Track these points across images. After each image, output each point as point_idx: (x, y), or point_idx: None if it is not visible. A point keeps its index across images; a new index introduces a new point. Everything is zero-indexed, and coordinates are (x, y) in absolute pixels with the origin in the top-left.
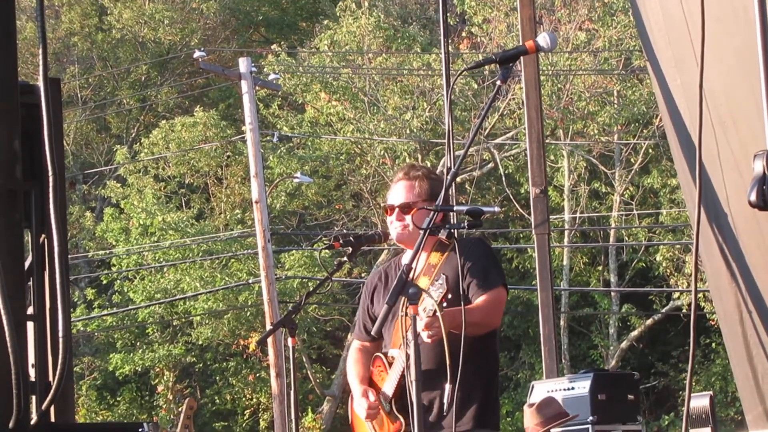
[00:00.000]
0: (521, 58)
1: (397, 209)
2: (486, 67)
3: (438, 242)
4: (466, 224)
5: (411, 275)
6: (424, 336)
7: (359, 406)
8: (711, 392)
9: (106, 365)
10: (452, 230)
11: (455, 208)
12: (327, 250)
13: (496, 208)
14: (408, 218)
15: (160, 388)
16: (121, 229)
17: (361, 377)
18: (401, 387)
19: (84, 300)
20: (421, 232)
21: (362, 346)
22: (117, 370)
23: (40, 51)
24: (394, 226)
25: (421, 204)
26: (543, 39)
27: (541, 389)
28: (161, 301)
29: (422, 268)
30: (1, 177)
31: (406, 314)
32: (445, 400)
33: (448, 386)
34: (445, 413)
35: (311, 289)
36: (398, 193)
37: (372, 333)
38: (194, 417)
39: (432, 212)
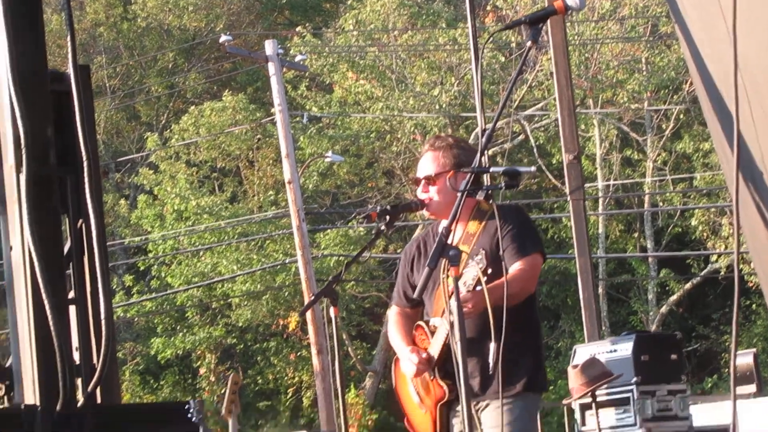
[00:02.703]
0: (548, 24)
1: (423, 181)
2: (513, 39)
3: (475, 210)
4: (503, 185)
5: (450, 239)
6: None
7: (407, 362)
8: (755, 350)
9: (147, 350)
10: (490, 191)
11: (492, 170)
12: (363, 227)
13: (533, 168)
14: (433, 190)
15: (202, 370)
16: (155, 215)
17: (406, 339)
18: (445, 353)
19: (122, 287)
20: (458, 195)
21: (402, 311)
22: (159, 354)
23: (68, 37)
24: (422, 198)
25: (449, 172)
26: None
27: (584, 352)
28: (199, 285)
29: (461, 236)
30: (35, 164)
31: (447, 276)
32: (490, 360)
33: (492, 344)
34: (490, 372)
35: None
36: (424, 164)
37: (414, 296)
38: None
39: (469, 175)
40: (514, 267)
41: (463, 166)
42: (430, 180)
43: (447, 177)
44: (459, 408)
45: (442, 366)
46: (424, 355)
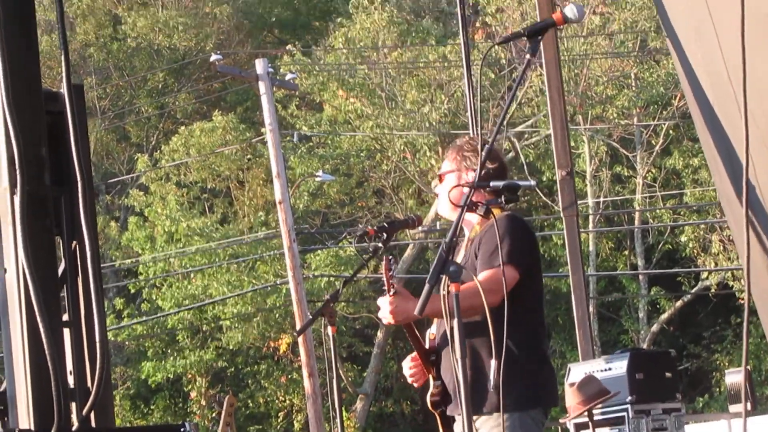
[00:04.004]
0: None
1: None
2: (502, 56)
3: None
4: (503, 199)
5: (451, 254)
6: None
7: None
8: (748, 367)
9: (138, 374)
10: (489, 206)
11: (491, 184)
12: (354, 247)
13: (533, 182)
14: (439, 186)
15: (193, 394)
16: (146, 237)
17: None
18: (424, 355)
19: (113, 310)
20: (458, 210)
21: None
22: (149, 378)
23: (63, 57)
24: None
25: (456, 173)
26: (570, 10)
27: (579, 371)
28: (190, 307)
29: (465, 242)
30: (29, 185)
31: (448, 293)
32: (491, 377)
33: (494, 362)
34: (491, 389)
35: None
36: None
37: (415, 313)
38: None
39: (468, 190)
40: (477, 278)
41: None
42: (439, 177)
43: (453, 175)
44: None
45: (432, 368)
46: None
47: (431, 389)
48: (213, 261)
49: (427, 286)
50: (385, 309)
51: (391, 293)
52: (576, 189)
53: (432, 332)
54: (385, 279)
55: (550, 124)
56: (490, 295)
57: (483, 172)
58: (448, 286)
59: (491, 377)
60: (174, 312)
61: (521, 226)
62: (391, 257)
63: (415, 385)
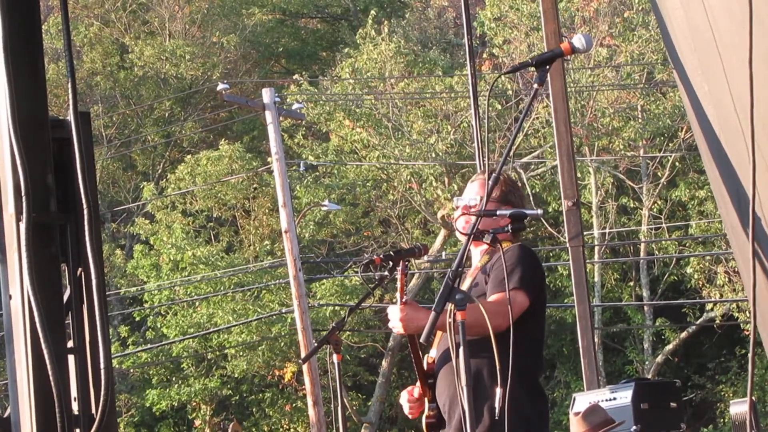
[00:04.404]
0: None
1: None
2: (509, 87)
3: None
4: (509, 228)
5: (457, 281)
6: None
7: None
8: (753, 397)
9: (142, 402)
10: (495, 234)
11: (498, 213)
12: (359, 276)
13: (539, 211)
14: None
15: (197, 422)
16: (151, 265)
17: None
18: (423, 376)
19: (118, 337)
20: (465, 238)
21: None
22: (154, 406)
23: (69, 85)
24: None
25: (483, 203)
26: (578, 40)
27: (583, 401)
28: (195, 335)
29: (472, 270)
30: (35, 212)
31: (454, 320)
32: (496, 405)
33: (499, 390)
34: (497, 417)
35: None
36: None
37: (421, 341)
38: None
39: (476, 218)
40: (488, 299)
41: (505, 202)
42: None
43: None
44: None
45: (428, 389)
46: (414, 396)
47: (426, 411)
48: (218, 289)
49: (433, 314)
50: (395, 318)
51: (402, 301)
52: (582, 220)
53: (431, 356)
54: (399, 285)
55: (557, 155)
56: (497, 317)
57: (511, 204)
58: (454, 314)
59: (495, 404)
60: (179, 340)
61: (533, 256)
62: (407, 262)
63: (410, 417)
